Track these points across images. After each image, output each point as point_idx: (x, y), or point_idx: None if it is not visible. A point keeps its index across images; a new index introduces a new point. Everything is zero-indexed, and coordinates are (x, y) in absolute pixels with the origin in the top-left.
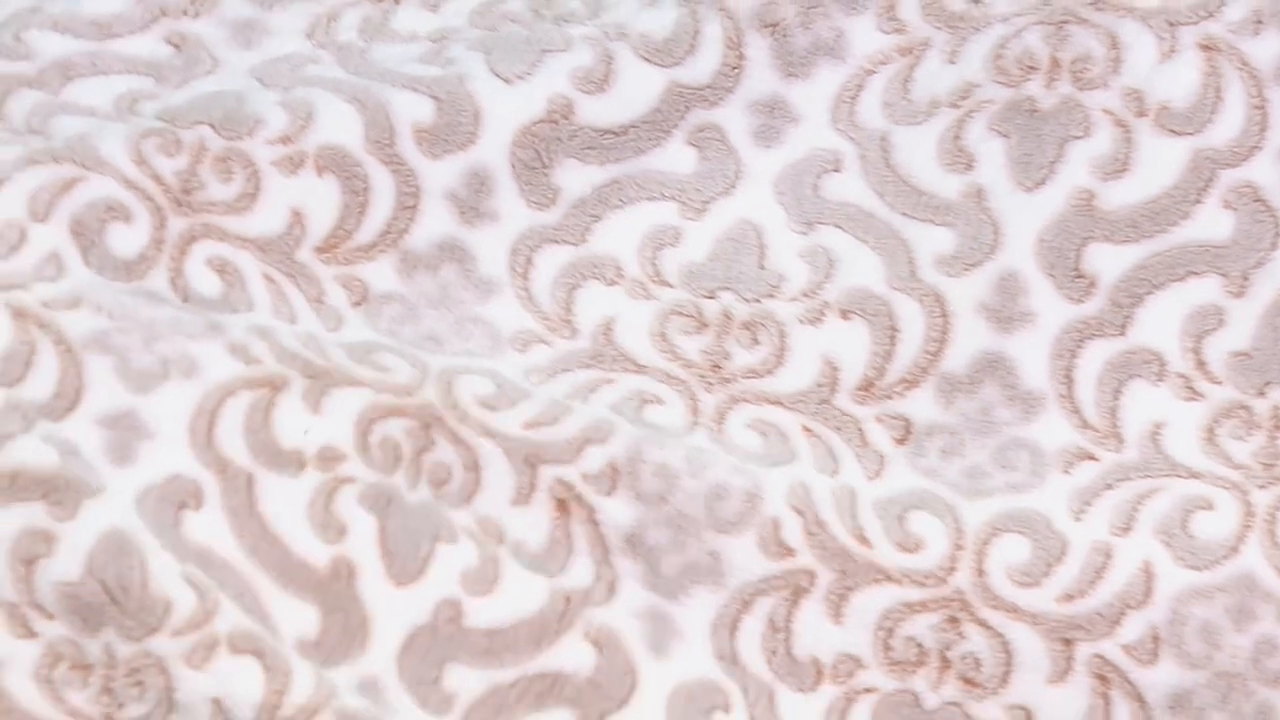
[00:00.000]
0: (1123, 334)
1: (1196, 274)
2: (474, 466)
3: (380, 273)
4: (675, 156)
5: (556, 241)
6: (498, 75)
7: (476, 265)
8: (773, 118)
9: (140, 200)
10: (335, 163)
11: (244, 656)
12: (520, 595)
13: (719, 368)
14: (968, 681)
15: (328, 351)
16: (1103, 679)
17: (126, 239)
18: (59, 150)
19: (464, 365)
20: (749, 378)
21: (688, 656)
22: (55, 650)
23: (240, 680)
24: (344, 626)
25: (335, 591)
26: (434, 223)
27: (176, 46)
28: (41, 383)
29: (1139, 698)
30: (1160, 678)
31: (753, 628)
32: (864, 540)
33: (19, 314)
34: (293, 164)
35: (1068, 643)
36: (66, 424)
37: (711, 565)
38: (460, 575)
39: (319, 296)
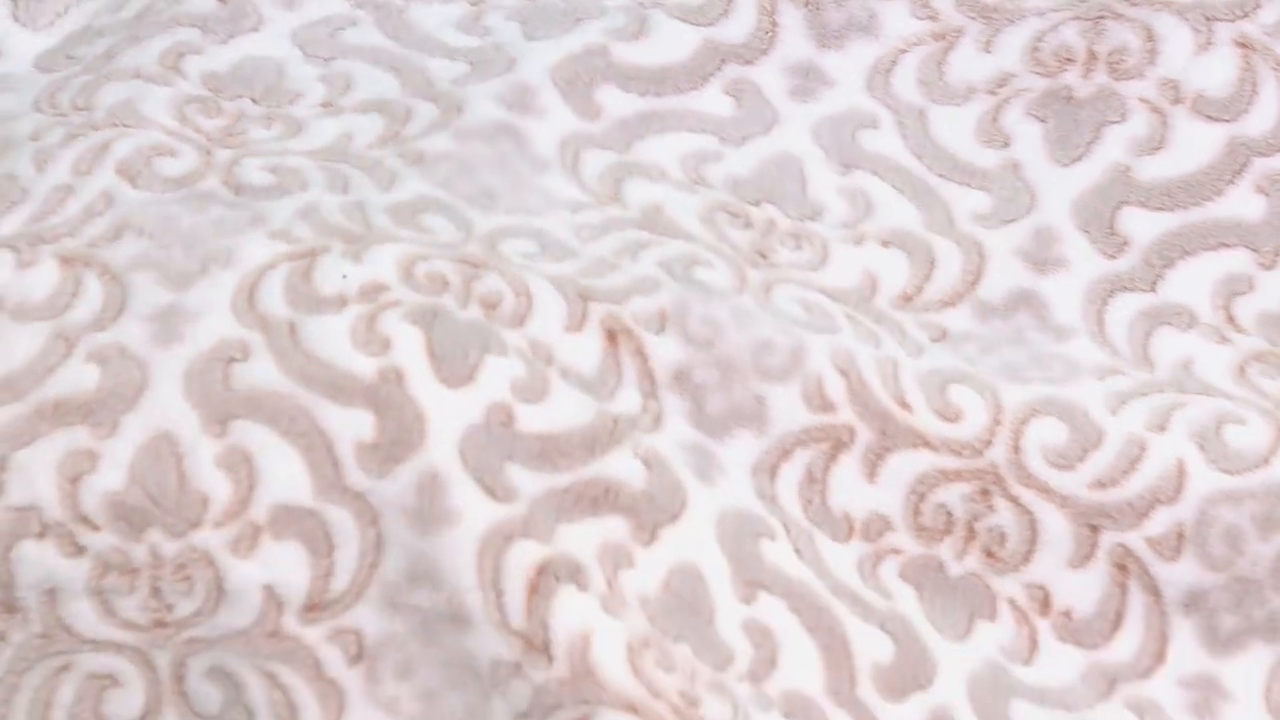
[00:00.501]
0: (1153, 290)
1: (1228, 246)
2: (525, 293)
3: (435, 143)
4: (712, 101)
5: (601, 147)
6: (530, 39)
7: (531, 146)
8: (808, 80)
9: (184, 142)
10: (376, 106)
11: (287, 541)
12: (569, 409)
13: (765, 257)
14: (990, 555)
15: (371, 219)
16: (1122, 569)
17: (174, 166)
18: (99, 119)
19: (511, 226)
20: (796, 269)
21: (730, 489)
22: (103, 560)
23: (287, 566)
24: (399, 423)
25: (386, 394)
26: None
27: (222, 2)
28: (85, 308)
29: (1156, 591)
30: (1179, 575)
31: (791, 475)
32: (905, 405)
33: (65, 260)
34: (334, 113)
35: (1094, 529)
36: (109, 332)
37: (756, 410)
38: (510, 383)
39: (376, 162)
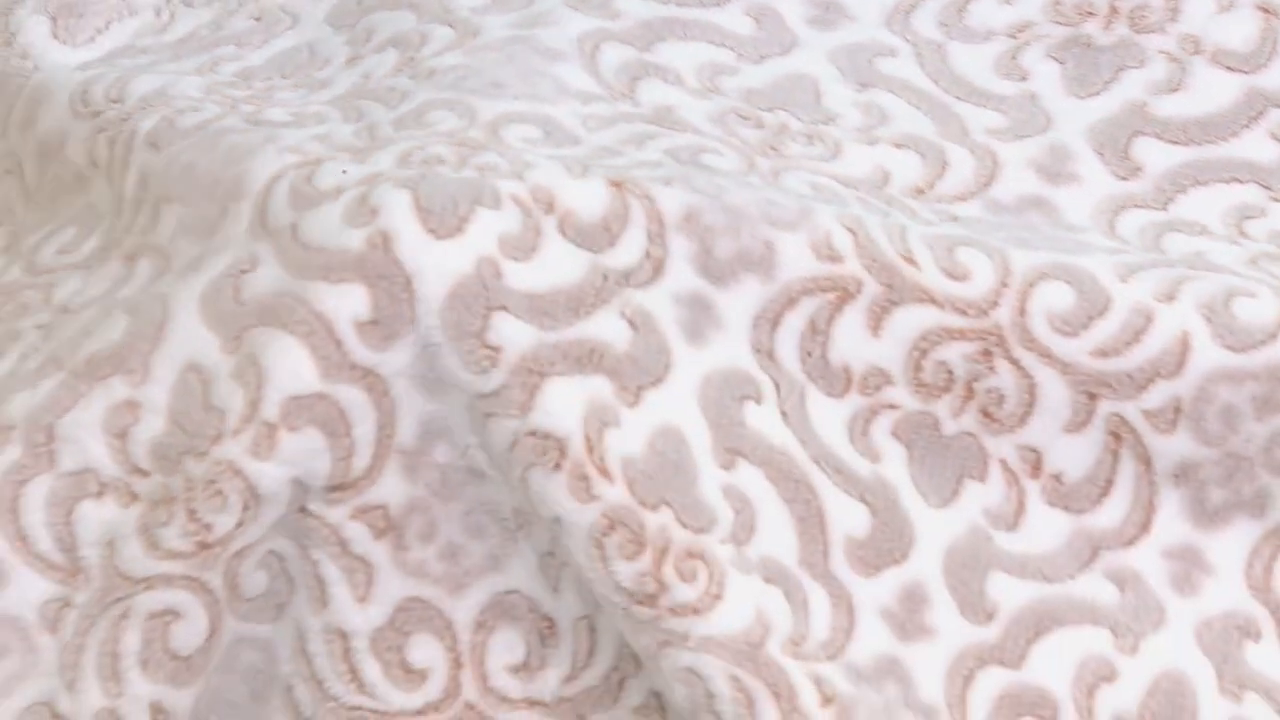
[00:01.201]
0: (1164, 210)
1: (1240, 181)
2: (522, 163)
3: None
4: (733, 19)
5: (622, 42)
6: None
7: (542, 41)
8: (828, 11)
9: (209, 103)
10: (392, 41)
11: (306, 430)
12: (558, 265)
13: (775, 149)
14: (987, 415)
15: (378, 132)
16: (1116, 437)
17: (195, 117)
18: (130, 108)
19: (517, 112)
20: (808, 160)
21: (723, 346)
22: (150, 499)
23: (308, 455)
24: (389, 294)
25: (374, 261)
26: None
27: (258, 19)
28: (136, 283)
29: (1147, 461)
30: (1172, 447)
31: (794, 325)
32: (912, 261)
33: (128, 258)
34: (353, 65)
35: (1092, 397)
36: (147, 292)
37: (764, 255)
38: (498, 239)
39: (390, 88)
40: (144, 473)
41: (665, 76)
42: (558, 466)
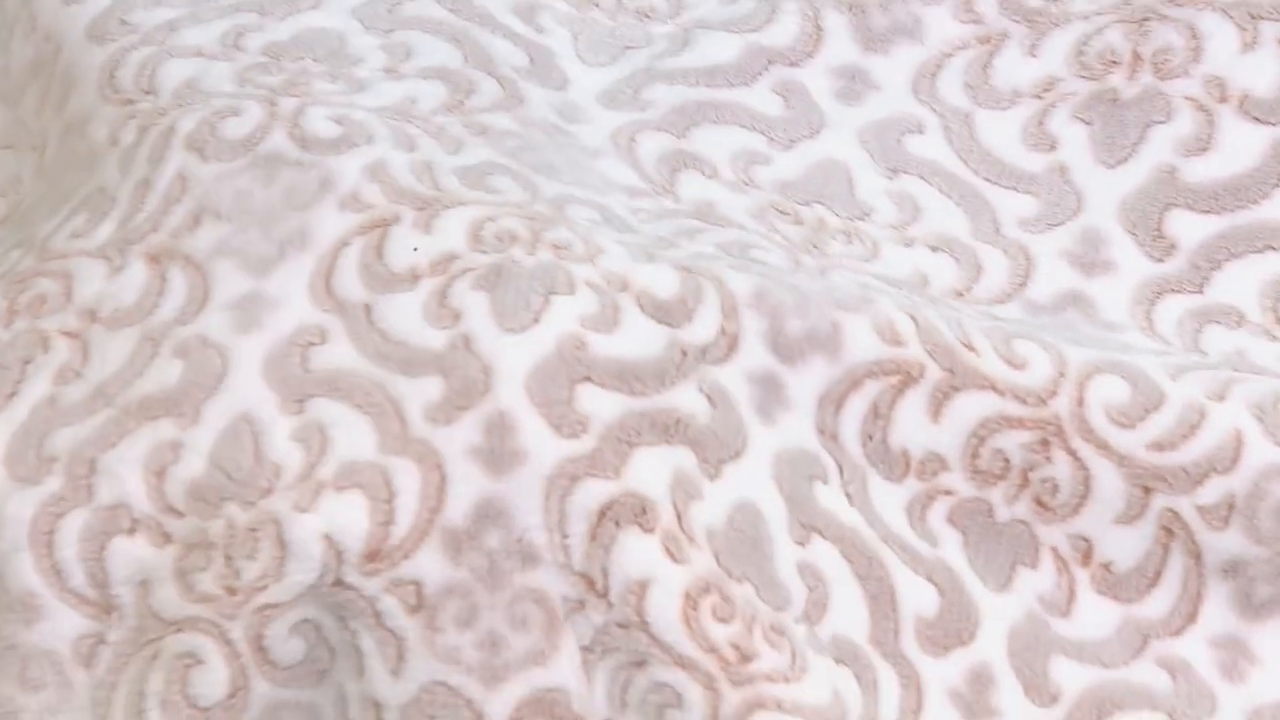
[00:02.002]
0: (1201, 292)
1: (1274, 249)
2: (594, 243)
3: (498, 120)
4: (762, 99)
5: (658, 129)
6: (581, 60)
7: (582, 134)
8: (854, 83)
9: (247, 99)
10: (439, 74)
11: (349, 492)
12: (640, 339)
13: (817, 248)
14: (1041, 503)
15: (440, 180)
16: (1169, 531)
17: (239, 125)
18: (166, 103)
19: (575, 195)
20: (849, 259)
21: (791, 426)
22: (186, 543)
23: (346, 514)
24: (464, 378)
25: (453, 359)
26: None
27: None
28: (171, 305)
29: (1197, 556)
30: (1223, 544)
31: (857, 407)
32: (971, 348)
33: (152, 258)
34: (396, 77)
35: (1146, 490)
36: (192, 325)
37: (831, 335)
38: (579, 318)
39: (441, 128)
40: (178, 513)
41: (702, 169)
42: (652, 529)
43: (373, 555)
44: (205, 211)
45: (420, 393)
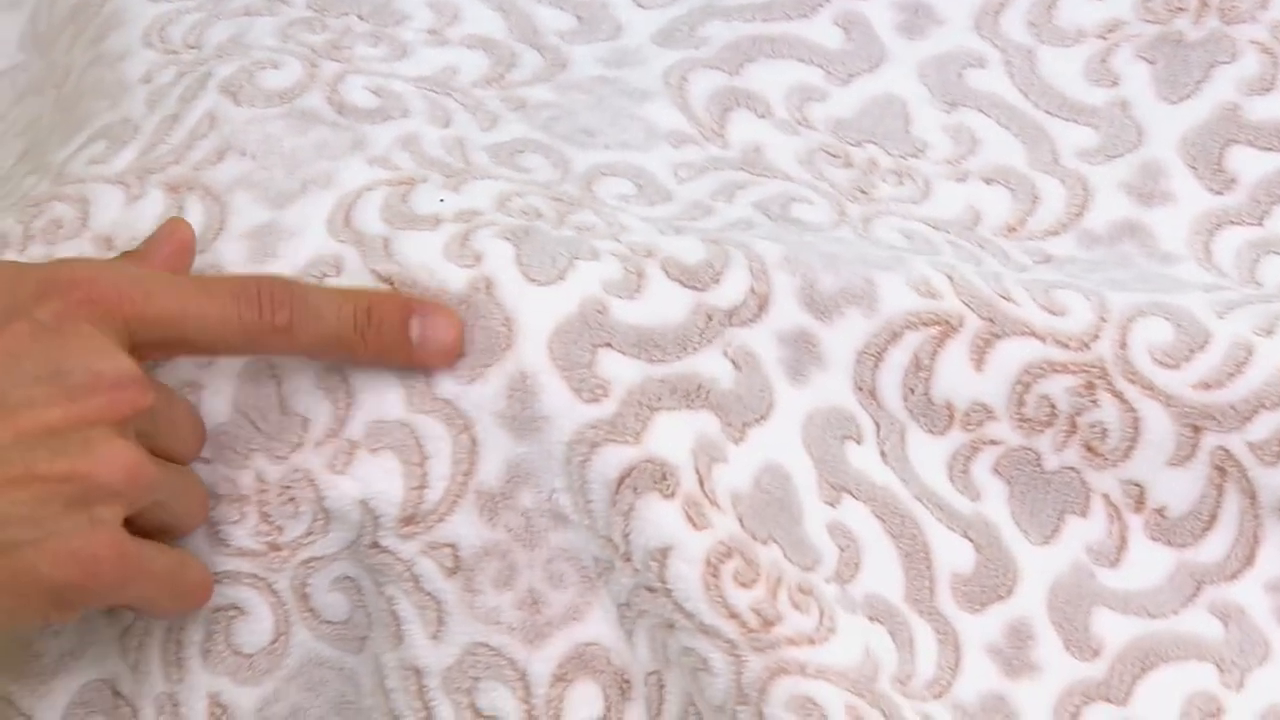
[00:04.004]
0: (1260, 224)
1: None
2: (619, 224)
3: (538, 92)
4: (822, 31)
5: (711, 67)
6: (638, 4)
7: (629, 78)
8: (916, 16)
9: (287, 55)
10: (482, 44)
11: (382, 454)
12: (663, 304)
13: (865, 193)
14: (1090, 449)
15: (470, 155)
16: (1221, 470)
17: (277, 78)
18: (205, 55)
19: (609, 163)
20: (897, 202)
21: (825, 385)
22: (215, 492)
23: (382, 478)
24: (486, 331)
25: (475, 303)
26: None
27: None
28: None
29: (1252, 494)
30: (1277, 480)
31: (897, 360)
32: (1010, 299)
33: (171, 187)
34: (439, 42)
35: (1196, 430)
36: (209, 253)
37: (865, 289)
38: (602, 282)
39: (479, 103)
40: (204, 459)
41: (755, 108)
42: (673, 494)
43: (409, 519)
44: (231, 149)
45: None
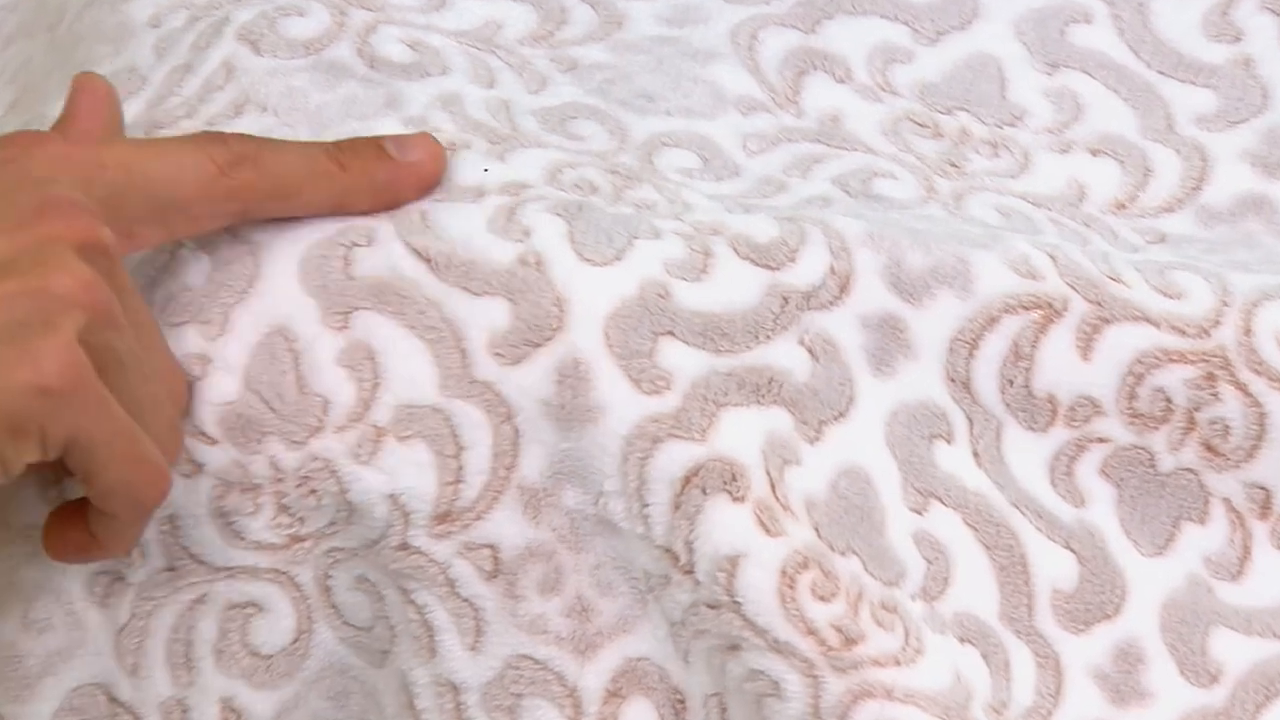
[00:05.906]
0: None
1: None
2: (681, 202)
3: (591, 52)
4: None
5: (784, 25)
6: None
7: (692, 37)
8: None
9: (314, 1)
10: None
11: (412, 443)
12: (733, 286)
13: (956, 166)
14: (1210, 448)
15: (517, 120)
16: None
17: (302, 26)
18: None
19: (671, 132)
20: (992, 176)
21: (913, 377)
22: (224, 479)
23: (413, 472)
24: (536, 308)
25: (522, 278)
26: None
27: None
28: None
29: None
30: None
31: (995, 348)
32: (1119, 280)
33: None
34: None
35: None
36: None
37: (958, 268)
38: (664, 263)
39: (525, 61)
40: (210, 439)
41: (833, 71)
42: (743, 498)
43: (442, 517)
44: (250, 103)
45: (484, 317)
